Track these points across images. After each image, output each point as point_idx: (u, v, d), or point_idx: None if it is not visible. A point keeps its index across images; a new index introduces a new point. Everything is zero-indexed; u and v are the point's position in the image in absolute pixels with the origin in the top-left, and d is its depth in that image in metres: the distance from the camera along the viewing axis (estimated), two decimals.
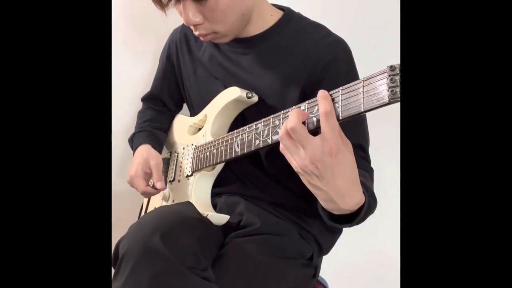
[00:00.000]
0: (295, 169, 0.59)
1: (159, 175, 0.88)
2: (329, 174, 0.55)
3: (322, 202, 0.61)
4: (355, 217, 0.63)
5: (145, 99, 1.10)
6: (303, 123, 0.57)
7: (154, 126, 1.02)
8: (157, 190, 0.88)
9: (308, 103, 0.60)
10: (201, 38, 0.81)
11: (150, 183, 0.91)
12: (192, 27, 0.79)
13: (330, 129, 0.54)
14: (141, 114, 1.08)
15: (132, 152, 0.99)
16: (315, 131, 0.58)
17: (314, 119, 0.58)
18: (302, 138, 0.55)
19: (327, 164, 0.55)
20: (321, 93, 0.56)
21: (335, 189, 0.57)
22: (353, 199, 0.60)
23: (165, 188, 0.91)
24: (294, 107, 0.62)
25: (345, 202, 0.59)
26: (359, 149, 0.77)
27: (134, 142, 0.99)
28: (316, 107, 0.58)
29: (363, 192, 0.62)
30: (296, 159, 0.57)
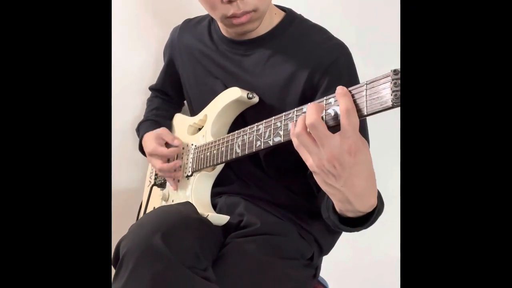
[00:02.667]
0: (310, 168, 0.56)
1: (171, 135, 0.93)
2: (347, 174, 0.53)
3: (337, 202, 0.59)
4: (368, 219, 0.61)
5: (152, 89, 1.12)
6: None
7: (159, 114, 1.05)
8: (177, 150, 0.91)
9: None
10: (236, 21, 0.76)
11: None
12: (225, 9, 0.74)
13: (351, 127, 0.51)
14: (149, 102, 1.11)
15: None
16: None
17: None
18: (322, 135, 0.53)
19: (346, 163, 0.53)
20: (340, 89, 0.53)
21: (352, 189, 0.55)
22: (370, 200, 0.58)
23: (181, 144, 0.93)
24: (296, 109, 0.62)
25: (361, 203, 0.57)
26: None
27: (140, 131, 1.02)
28: None
29: None
30: (313, 157, 0.55)
